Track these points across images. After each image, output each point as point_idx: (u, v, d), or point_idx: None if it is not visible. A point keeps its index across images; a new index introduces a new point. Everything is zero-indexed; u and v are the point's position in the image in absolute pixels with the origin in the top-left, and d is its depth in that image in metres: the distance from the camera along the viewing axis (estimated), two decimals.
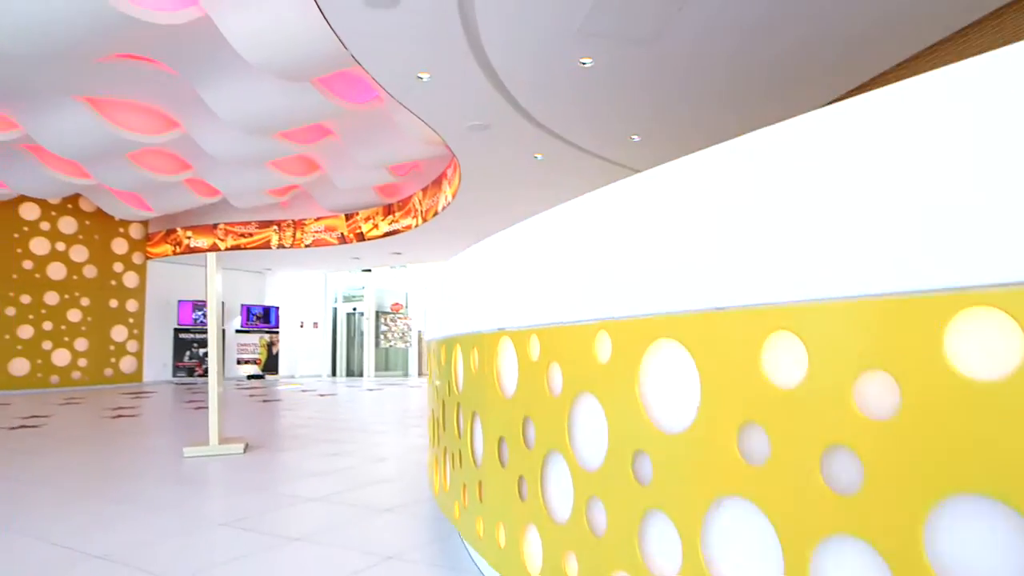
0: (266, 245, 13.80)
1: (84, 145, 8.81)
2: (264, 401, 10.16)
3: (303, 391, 12.29)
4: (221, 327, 6.04)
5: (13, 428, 7.09)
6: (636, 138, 6.98)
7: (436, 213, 10.54)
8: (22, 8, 5.57)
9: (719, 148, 1.02)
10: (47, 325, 12.85)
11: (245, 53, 5.99)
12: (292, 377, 17.30)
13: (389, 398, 10.61)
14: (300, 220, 13.60)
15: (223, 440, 5.35)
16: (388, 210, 12.36)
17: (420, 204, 11.31)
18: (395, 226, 12.17)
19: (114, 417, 8.01)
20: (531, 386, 1.54)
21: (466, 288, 2.11)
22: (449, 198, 9.72)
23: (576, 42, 4.75)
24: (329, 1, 4.01)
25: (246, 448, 5.36)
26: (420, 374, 18.62)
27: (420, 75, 5.24)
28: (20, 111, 8.37)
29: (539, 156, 7.50)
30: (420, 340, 20.00)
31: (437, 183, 10.55)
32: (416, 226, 11.51)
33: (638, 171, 6.48)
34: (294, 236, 13.61)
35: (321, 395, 11.23)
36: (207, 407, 5.40)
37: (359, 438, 5.98)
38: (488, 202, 9.83)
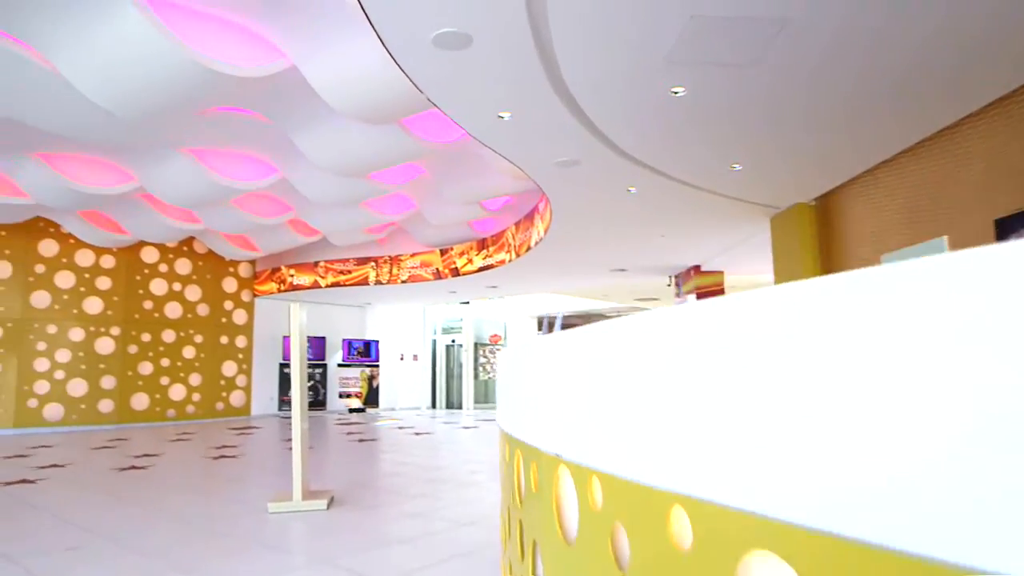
0: (364, 281, 14.01)
1: (191, 194, 9.20)
2: (360, 441, 10.15)
3: (399, 428, 12.27)
4: (306, 371, 6.00)
5: (123, 469, 7.34)
6: (738, 167, 6.46)
7: (529, 248, 10.30)
8: (126, 76, 5.84)
9: (920, 266, 0.61)
10: (164, 362, 13.54)
11: (330, 99, 5.98)
12: (392, 410, 17.46)
13: (485, 438, 10.37)
14: (396, 256, 13.74)
15: (307, 494, 5.24)
16: (482, 244, 12.25)
17: (513, 239, 11.11)
18: (489, 261, 12.03)
19: (216, 458, 8.18)
20: (594, 542, 1.19)
21: (523, 387, 1.77)
22: (541, 233, 9.45)
23: (665, 71, 4.38)
24: (399, 46, 3.85)
25: (330, 503, 5.22)
26: None
27: (501, 114, 5.00)
28: (134, 165, 8.84)
29: (632, 190, 7.10)
30: None
31: (529, 217, 10.32)
32: (510, 261, 11.31)
33: (742, 201, 5.98)
34: (391, 272, 13.75)
35: (417, 434, 11.14)
36: (304, 439, 5.31)
37: (448, 492, 5.73)
38: (582, 237, 9.49)
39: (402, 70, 4.14)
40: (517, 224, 11.00)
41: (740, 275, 12.90)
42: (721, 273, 12.17)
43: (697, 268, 12.11)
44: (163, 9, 5.33)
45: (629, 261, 11.71)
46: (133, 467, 7.49)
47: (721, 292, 12.18)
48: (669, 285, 13.68)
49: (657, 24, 3.84)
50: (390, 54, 3.93)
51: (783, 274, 8.12)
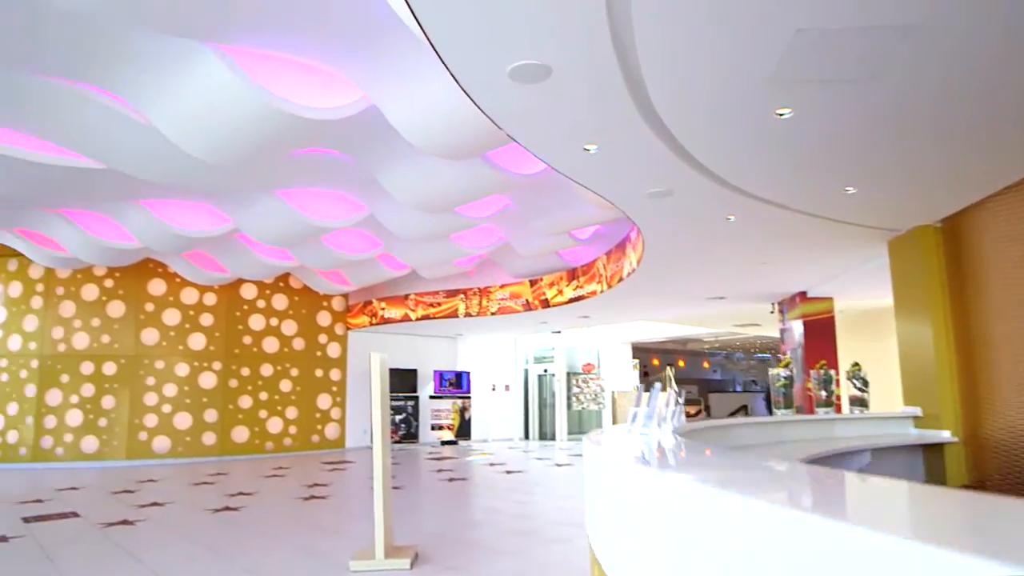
0: (454, 314, 13.92)
1: (283, 233, 9.35)
2: (449, 480, 9.92)
3: (491, 464, 11.98)
4: (389, 414, 5.80)
5: (217, 510, 7.38)
6: (851, 190, 5.84)
7: (621, 279, 9.86)
8: (213, 125, 5.93)
9: None
10: (263, 395, 13.86)
11: (411, 138, 5.84)
12: (485, 441, 17.22)
13: (578, 477, 9.91)
14: (486, 288, 13.57)
15: (391, 551, 4.98)
16: (572, 275, 11.90)
17: (604, 269, 10.69)
18: (579, 292, 11.65)
19: (306, 499, 8.13)
20: None
21: (617, 516, 1.40)
22: (634, 264, 9.00)
23: (768, 91, 3.92)
24: (474, 83, 3.60)
25: (414, 561, 4.94)
26: None
27: (587, 147, 4.67)
28: (229, 208, 9.07)
29: (731, 218, 6.58)
30: (614, 402, 19.16)
31: (621, 247, 9.89)
32: (601, 292, 10.89)
33: (855, 225, 5.35)
34: (480, 304, 13.59)
35: (508, 472, 10.81)
36: (386, 493, 5.10)
37: (536, 549, 5.36)
38: (677, 266, 8.97)
39: (478, 107, 3.89)
40: (608, 254, 10.59)
41: (852, 301, 11.93)
42: (830, 300, 11.27)
43: (803, 294, 11.27)
44: (244, 58, 5.34)
45: (728, 289, 11.04)
46: (227, 508, 7.52)
47: (830, 319, 11.28)
48: (772, 312, 12.84)
49: (758, 40, 3.41)
50: (465, 91, 3.69)
51: (905, 302, 7.32)
